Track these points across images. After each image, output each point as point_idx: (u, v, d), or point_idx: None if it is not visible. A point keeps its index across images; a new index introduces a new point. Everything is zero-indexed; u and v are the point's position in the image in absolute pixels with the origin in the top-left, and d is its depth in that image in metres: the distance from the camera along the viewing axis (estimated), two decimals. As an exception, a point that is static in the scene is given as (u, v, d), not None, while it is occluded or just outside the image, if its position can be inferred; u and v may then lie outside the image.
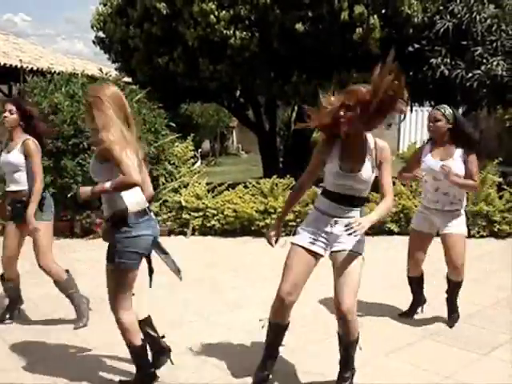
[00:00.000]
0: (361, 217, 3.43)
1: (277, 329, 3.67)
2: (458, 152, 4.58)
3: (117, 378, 3.76)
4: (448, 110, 4.56)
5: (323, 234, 3.51)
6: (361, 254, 3.46)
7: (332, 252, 3.50)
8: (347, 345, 3.53)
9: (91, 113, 3.36)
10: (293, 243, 3.58)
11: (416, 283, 5.00)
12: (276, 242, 3.68)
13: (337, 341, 3.58)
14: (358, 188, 3.47)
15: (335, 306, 3.45)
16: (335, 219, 3.49)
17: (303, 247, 3.51)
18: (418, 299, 5.05)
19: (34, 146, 4.62)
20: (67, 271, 4.79)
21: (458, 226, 4.64)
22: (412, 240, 4.87)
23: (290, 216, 8.35)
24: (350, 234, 3.20)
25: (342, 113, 3.27)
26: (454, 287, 4.82)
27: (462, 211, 4.70)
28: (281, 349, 3.81)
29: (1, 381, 3.74)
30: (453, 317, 4.85)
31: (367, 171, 3.42)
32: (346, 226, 3.26)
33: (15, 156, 4.61)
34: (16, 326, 4.79)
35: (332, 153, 3.46)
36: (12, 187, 4.66)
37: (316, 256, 3.53)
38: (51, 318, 4.90)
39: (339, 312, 3.42)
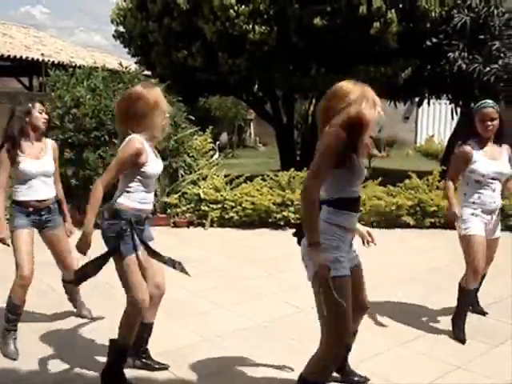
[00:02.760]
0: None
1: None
2: (504, 150, 4.52)
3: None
4: (497, 106, 4.44)
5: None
6: None
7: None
8: None
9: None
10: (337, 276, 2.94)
11: (473, 296, 4.79)
12: None
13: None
14: None
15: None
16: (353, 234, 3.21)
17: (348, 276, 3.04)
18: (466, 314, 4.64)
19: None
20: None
21: (499, 229, 4.66)
22: (475, 247, 4.38)
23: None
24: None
25: None
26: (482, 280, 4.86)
27: None
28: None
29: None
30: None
31: None
32: None
33: (50, 162, 4.37)
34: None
35: None
36: (41, 196, 4.29)
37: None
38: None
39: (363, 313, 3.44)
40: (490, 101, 4.48)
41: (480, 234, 4.39)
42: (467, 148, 4.45)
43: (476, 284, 4.57)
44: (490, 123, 4.36)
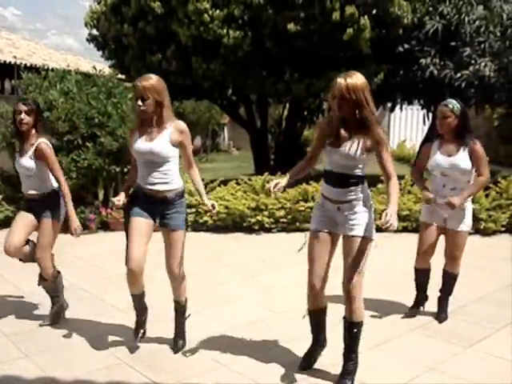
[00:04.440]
0: (363, 195, 3.62)
1: (316, 315, 3.86)
2: (464, 147, 4.62)
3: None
4: (456, 106, 4.61)
5: (330, 217, 3.71)
6: (371, 239, 3.68)
7: (344, 236, 3.68)
8: (350, 328, 3.73)
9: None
10: (310, 230, 3.76)
11: (423, 276, 5.04)
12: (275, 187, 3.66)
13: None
14: (346, 164, 3.57)
15: (343, 284, 3.66)
16: (337, 205, 3.64)
17: (319, 230, 3.71)
18: (423, 295, 5.11)
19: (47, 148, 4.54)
20: (58, 272, 4.82)
21: (463, 222, 4.75)
22: (422, 233, 4.89)
23: (281, 212, 8.51)
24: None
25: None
26: (449, 280, 4.96)
27: (468, 204, 4.75)
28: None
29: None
30: (442, 315, 4.99)
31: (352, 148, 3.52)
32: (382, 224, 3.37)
33: (27, 161, 4.57)
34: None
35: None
36: (29, 191, 4.66)
37: (332, 235, 3.73)
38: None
39: (344, 289, 3.63)
40: (451, 100, 4.72)
41: (424, 221, 4.86)
42: (429, 144, 4.86)
43: (421, 265, 5.01)
44: (441, 121, 4.64)
